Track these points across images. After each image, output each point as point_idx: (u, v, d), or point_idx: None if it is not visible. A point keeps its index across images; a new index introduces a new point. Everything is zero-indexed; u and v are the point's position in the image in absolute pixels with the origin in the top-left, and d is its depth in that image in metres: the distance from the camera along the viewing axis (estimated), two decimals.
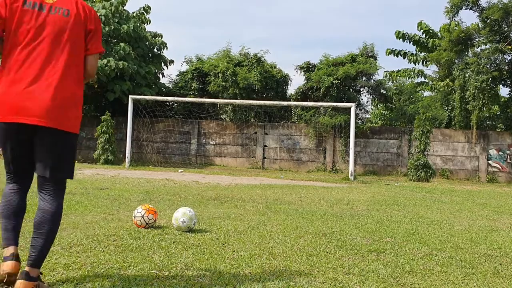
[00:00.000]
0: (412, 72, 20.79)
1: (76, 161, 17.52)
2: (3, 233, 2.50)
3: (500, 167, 16.95)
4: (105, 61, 16.44)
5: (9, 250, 2.43)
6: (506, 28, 17.06)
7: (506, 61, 17.33)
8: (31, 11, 2.48)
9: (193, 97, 19.06)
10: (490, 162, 17.00)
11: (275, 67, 19.86)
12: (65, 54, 2.50)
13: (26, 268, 2.35)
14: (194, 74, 20.13)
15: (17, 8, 2.47)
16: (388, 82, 19.92)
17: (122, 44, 17.23)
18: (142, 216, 4.33)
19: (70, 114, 2.50)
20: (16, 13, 2.47)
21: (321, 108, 17.77)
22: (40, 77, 2.43)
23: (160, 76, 20.31)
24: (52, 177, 2.48)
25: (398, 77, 20.50)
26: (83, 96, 2.68)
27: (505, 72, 17.16)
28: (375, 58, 19.09)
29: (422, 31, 19.97)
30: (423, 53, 20.44)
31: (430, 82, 20.49)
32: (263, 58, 19.40)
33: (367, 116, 20.71)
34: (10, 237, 2.48)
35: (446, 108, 18.66)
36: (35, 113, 2.37)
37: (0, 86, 2.42)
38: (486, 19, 17.12)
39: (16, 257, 2.42)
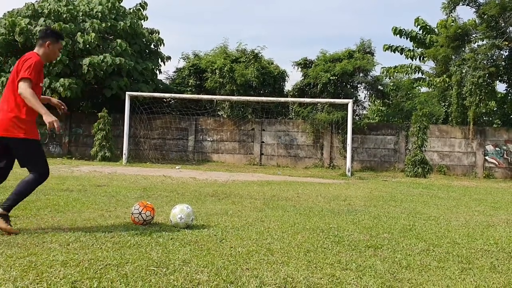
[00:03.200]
0: (409, 68, 20.78)
1: (74, 158, 17.49)
2: None
3: (497, 163, 17.01)
4: (101, 57, 16.39)
5: None
6: (503, 24, 17.08)
7: (503, 57, 17.37)
8: None
9: (190, 94, 19.03)
10: (487, 158, 17.06)
11: (272, 63, 19.83)
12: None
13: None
14: (191, 71, 20.09)
15: None
16: (385, 78, 19.92)
17: (119, 41, 17.18)
18: (140, 213, 4.33)
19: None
20: None
21: (319, 104, 17.77)
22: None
23: (157, 72, 20.26)
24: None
25: (395, 73, 20.51)
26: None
27: (501, 68, 17.19)
28: (372, 54, 19.08)
29: (419, 27, 19.97)
30: (420, 49, 20.44)
31: (427, 78, 20.51)
32: (260, 55, 19.38)
33: (365, 112, 20.73)
34: None
35: (443, 104, 18.69)
36: None
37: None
38: (483, 15, 17.12)
39: None
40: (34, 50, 4.16)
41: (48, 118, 3.79)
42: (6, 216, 3.78)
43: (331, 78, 17.84)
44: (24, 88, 3.77)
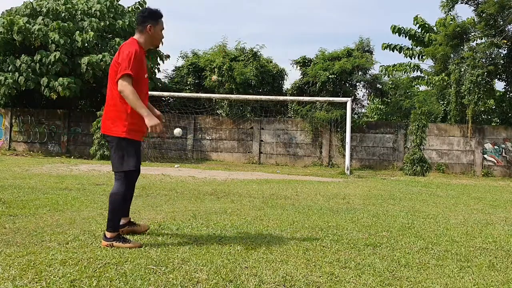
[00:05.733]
0: (408, 67, 20.77)
1: (72, 157, 17.49)
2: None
3: (495, 161, 17.03)
4: (100, 56, 16.38)
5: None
6: (501, 22, 17.08)
7: (502, 55, 17.37)
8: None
9: (189, 92, 19.01)
10: (485, 156, 17.08)
11: (271, 62, 19.82)
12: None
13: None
14: (190, 69, 20.06)
15: None
16: (384, 77, 19.92)
17: (117, 39, 17.15)
18: None
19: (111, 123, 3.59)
20: None
21: (317, 102, 17.77)
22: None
23: (156, 71, 20.23)
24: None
25: (394, 71, 20.50)
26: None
27: (500, 66, 17.19)
28: (371, 53, 19.08)
29: (418, 25, 19.96)
30: (419, 48, 20.43)
31: (426, 76, 20.51)
32: (259, 53, 19.37)
33: (363, 110, 20.76)
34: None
35: (442, 102, 18.70)
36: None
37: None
38: (481, 13, 17.13)
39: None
40: (135, 37, 3.69)
41: (150, 121, 3.40)
42: None
43: (330, 76, 17.84)
44: (124, 86, 3.38)
